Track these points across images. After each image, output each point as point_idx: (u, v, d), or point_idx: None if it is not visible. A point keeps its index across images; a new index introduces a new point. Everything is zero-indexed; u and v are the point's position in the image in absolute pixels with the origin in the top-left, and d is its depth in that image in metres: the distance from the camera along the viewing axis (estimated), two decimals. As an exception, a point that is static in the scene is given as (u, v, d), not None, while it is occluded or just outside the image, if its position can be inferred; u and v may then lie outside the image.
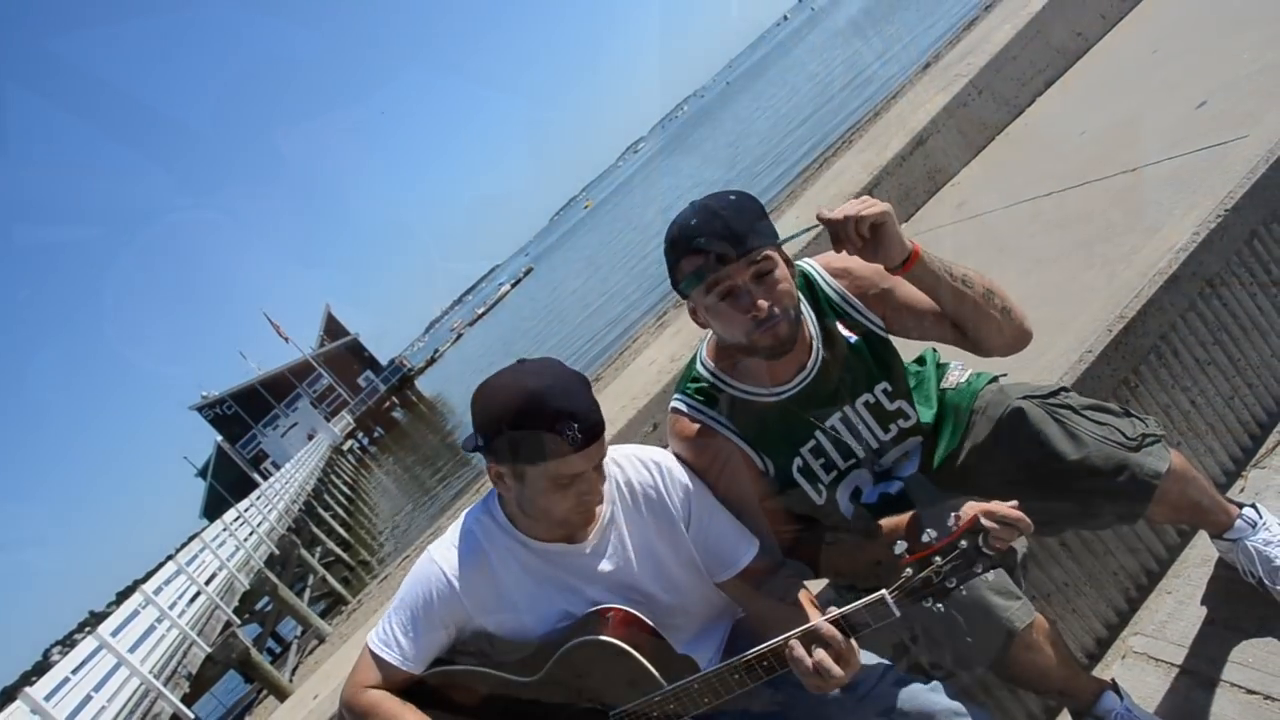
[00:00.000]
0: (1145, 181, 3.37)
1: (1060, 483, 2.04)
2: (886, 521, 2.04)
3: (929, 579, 1.67)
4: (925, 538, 1.67)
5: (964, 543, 1.66)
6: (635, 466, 2.06)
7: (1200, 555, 2.50)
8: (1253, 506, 2.22)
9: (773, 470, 2.11)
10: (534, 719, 1.96)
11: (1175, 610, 2.42)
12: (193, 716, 13.24)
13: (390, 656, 1.99)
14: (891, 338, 2.19)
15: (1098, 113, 4.60)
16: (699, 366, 2.15)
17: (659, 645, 1.93)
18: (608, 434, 1.88)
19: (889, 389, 2.16)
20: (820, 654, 1.71)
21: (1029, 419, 2.08)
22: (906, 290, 2.14)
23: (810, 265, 2.19)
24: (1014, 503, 1.76)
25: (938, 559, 1.66)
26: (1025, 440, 2.07)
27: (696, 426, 2.09)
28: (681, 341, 5.45)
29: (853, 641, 1.73)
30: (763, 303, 1.91)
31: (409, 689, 2.02)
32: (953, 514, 1.69)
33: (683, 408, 2.12)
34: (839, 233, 1.91)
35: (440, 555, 2.02)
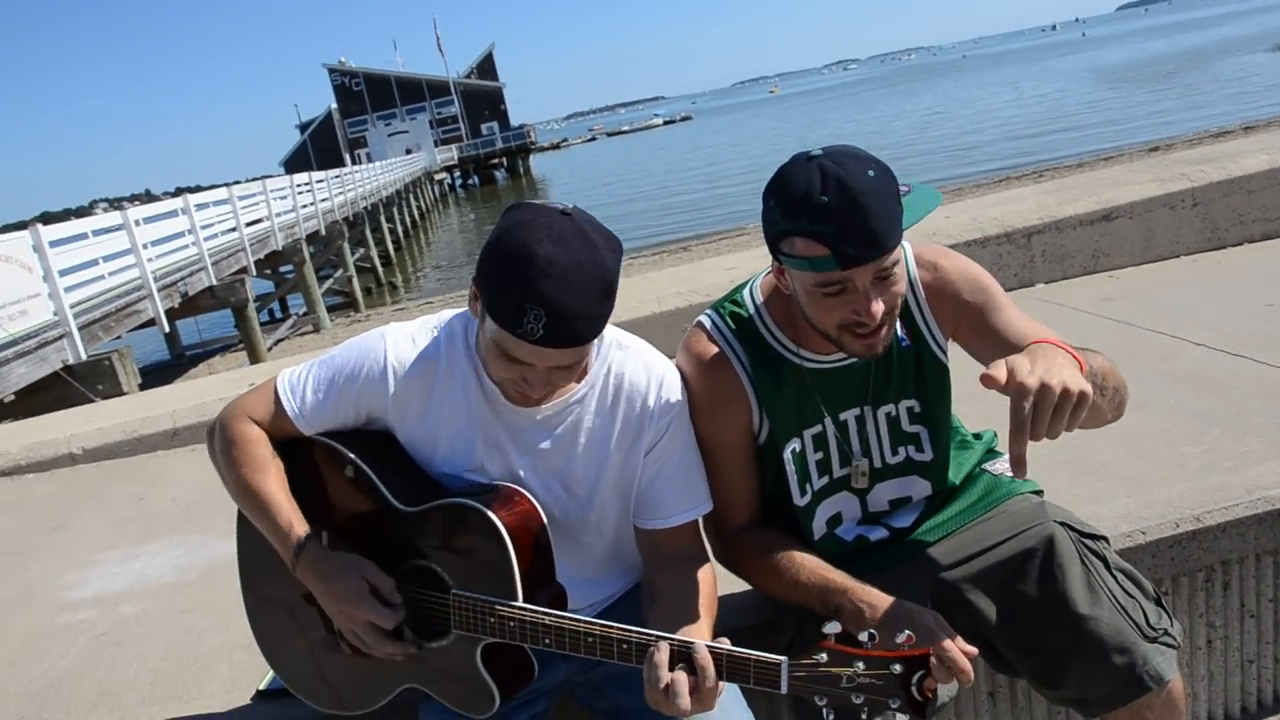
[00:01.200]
0: (1306, 395, 2.96)
1: (1051, 628, 1.79)
2: (845, 579, 1.75)
3: (837, 678, 1.43)
4: (863, 636, 1.43)
5: (897, 668, 1.41)
6: (636, 365, 1.80)
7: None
8: None
9: (764, 437, 1.86)
10: (380, 545, 1.75)
11: (1058, 829, 2.16)
12: (168, 328, 13.55)
13: (289, 404, 1.78)
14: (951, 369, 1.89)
15: (1299, 294, 4.11)
16: (745, 295, 1.90)
17: (542, 560, 1.70)
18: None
19: (915, 409, 1.89)
20: (680, 676, 1.48)
21: (1056, 547, 1.81)
22: (1004, 317, 1.79)
23: (905, 246, 1.86)
24: (973, 650, 1.52)
25: (860, 664, 1.42)
26: (1041, 567, 1.81)
27: (714, 350, 1.85)
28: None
29: (721, 683, 1.50)
30: (877, 309, 1.61)
31: (288, 443, 1.82)
32: (906, 632, 1.44)
33: (708, 324, 1.88)
34: (1022, 407, 1.36)
35: (393, 339, 1.77)
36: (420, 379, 1.75)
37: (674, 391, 1.80)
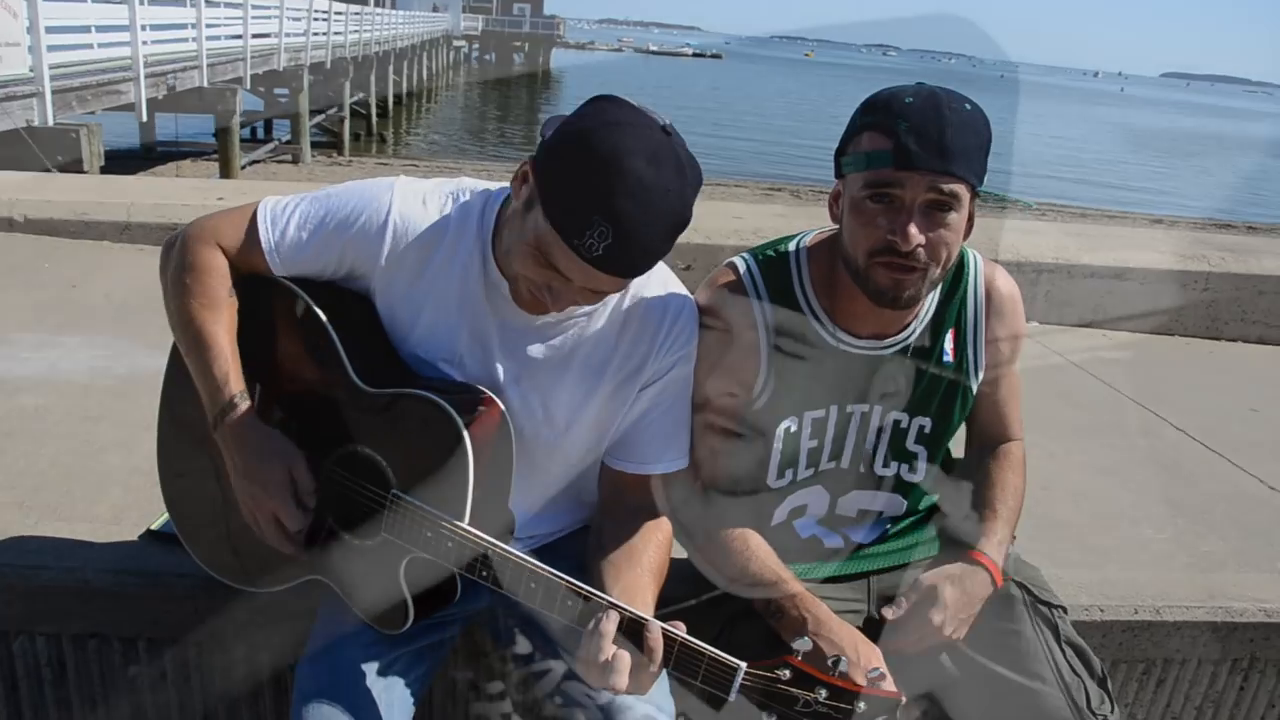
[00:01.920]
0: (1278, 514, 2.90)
1: (983, 691, 1.70)
2: (797, 584, 1.63)
3: (794, 699, 1.31)
4: (830, 661, 1.33)
5: (863, 705, 1.31)
6: (656, 291, 1.63)
7: None
8: None
9: (761, 403, 1.71)
10: (326, 420, 1.57)
11: None
12: (145, 118, 13.02)
13: (266, 235, 1.56)
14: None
15: (1289, 408, 4.06)
16: (791, 243, 1.73)
17: (500, 483, 1.53)
18: None
19: (925, 430, 1.77)
20: (623, 653, 1.31)
21: (1010, 609, 1.73)
22: (1009, 387, 1.81)
23: (976, 259, 1.76)
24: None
25: (824, 691, 1.31)
26: (986, 625, 1.70)
27: (739, 297, 1.68)
28: (779, 227, 4.94)
29: (665, 671, 1.36)
30: (914, 233, 1.48)
31: (250, 281, 1.60)
32: (878, 669, 1.40)
33: (741, 268, 1.71)
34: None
35: (402, 194, 1.57)
36: (419, 247, 1.56)
37: (689, 329, 1.64)
